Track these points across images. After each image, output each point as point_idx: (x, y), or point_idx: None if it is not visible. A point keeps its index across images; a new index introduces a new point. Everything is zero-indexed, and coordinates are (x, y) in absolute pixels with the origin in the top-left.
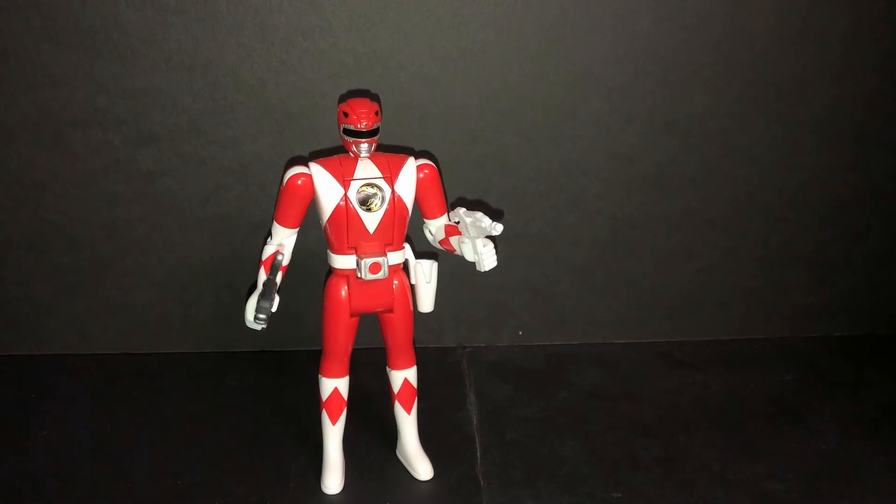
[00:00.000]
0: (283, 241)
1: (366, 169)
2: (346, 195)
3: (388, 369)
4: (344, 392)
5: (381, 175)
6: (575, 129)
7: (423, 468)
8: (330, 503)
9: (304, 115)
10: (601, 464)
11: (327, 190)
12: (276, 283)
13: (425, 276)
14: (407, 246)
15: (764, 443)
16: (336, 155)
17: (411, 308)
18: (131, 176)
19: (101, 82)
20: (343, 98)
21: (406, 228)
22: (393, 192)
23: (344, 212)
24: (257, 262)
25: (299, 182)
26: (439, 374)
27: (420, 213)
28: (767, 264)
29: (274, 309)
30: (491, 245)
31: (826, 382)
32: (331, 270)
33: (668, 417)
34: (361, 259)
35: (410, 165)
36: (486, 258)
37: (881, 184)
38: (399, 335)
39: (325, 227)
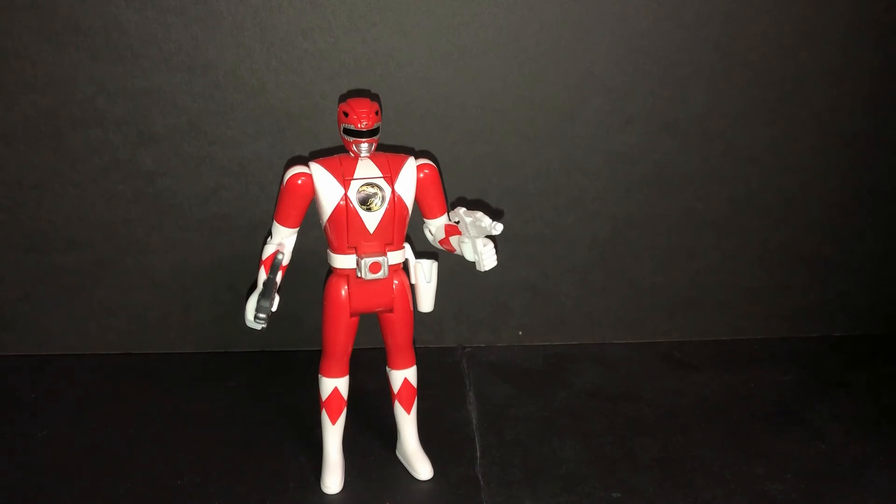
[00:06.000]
0: (283, 240)
1: (366, 168)
2: (346, 195)
3: (388, 369)
4: (344, 392)
5: (381, 175)
6: (575, 129)
7: (422, 468)
8: (330, 503)
9: (304, 116)
10: (600, 463)
11: (327, 189)
12: (276, 283)
13: (425, 275)
14: (407, 246)
15: (763, 443)
16: (336, 155)
17: (411, 308)
18: (131, 176)
19: (101, 82)
20: (343, 98)
21: (406, 228)
22: (393, 191)
23: (344, 211)
24: (257, 262)
25: (299, 182)
26: (439, 374)
27: (420, 212)
28: (767, 264)
29: (274, 308)
30: (491, 245)
31: (826, 382)
32: (331, 270)
33: (668, 417)
34: (361, 259)
35: (410, 165)
36: (486, 258)
37: (881, 184)
38: (399, 335)
39: (325, 226)
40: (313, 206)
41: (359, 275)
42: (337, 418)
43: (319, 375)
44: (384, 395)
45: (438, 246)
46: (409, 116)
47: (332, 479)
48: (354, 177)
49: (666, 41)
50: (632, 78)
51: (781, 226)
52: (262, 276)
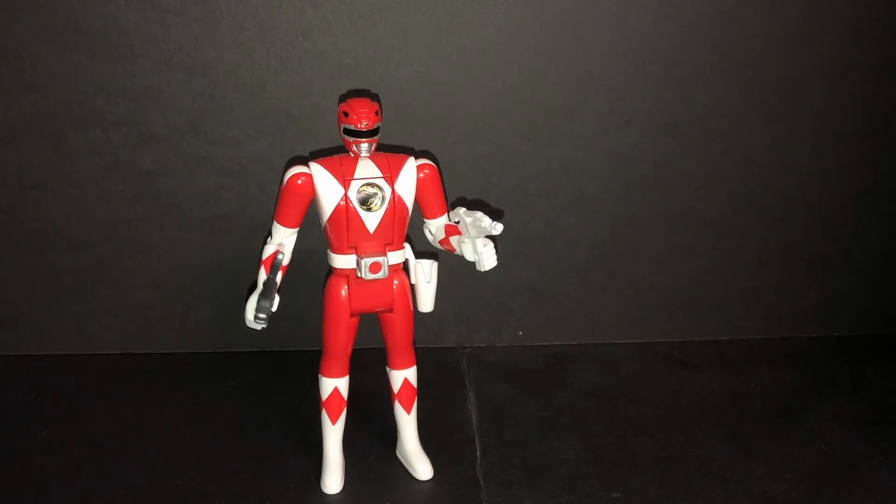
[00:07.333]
0: (283, 240)
1: (366, 169)
2: (346, 195)
3: (388, 369)
4: (344, 392)
5: (381, 175)
6: (575, 129)
7: (422, 468)
8: (330, 503)
9: (304, 116)
10: (600, 463)
11: (327, 189)
12: (276, 283)
13: (425, 275)
14: (407, 246)
15: (763, 443)
16: (336, 155)
17: (411, 308)
18: (131, 176)
19: (101, 82)
20: (343, 98)
21: (406, 228)
22: (393, 191)
23: (344, 211)
24: (257, 262)
25: (299, 182)
26: (439, 374)
27: (420, 213)
28: (767, 264)
29: (274, 308)
30: (491, 245)
31: (826, 382)
32: (331, 270)
33: (668, 417)
34: (361, 259)
35: (410, 165)
36: (486, 258)
37: (881, 184)
38: (399, 335)
39: (325, 226)
40: (313, 206)
41: (359, 275)
42: (337, 418)
43: (319, 375)
44: (384, 395)
45: (438, 246)
46: (409, 116)
47: (332, 479)
48: (354, 177)
49: (666, 41)
50: (632, 78)
51: (781, 226)
52: (262, 276)
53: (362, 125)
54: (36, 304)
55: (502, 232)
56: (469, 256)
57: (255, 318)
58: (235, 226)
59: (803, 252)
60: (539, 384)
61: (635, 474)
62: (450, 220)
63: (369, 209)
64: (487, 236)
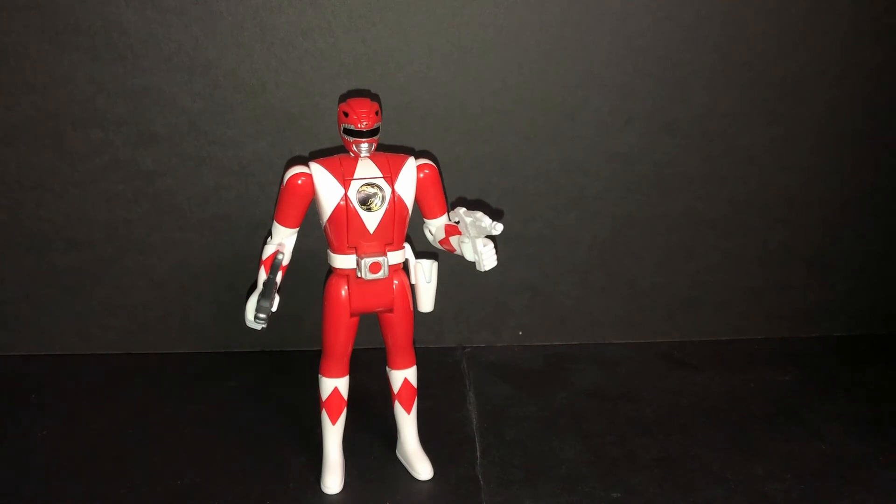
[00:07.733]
0: (283, 240)
1: (366, 168)
2: (346, 195)
3: (388, 369)
4: (344, 392)
5: (381, 175)
6: (575, 129)
7: (422, 468)
8: (330, 503)
9: (304, 116)
10: (600, 463)
11: (327, 189)
12: (276, 283)
13: (425, 275)
14: (407, 246)
15: (763, 443)
16: (336, 155)
17: (411, 308)
18: (131, 176)
19: (101, 82)
20: (343, 98)
21: (406, 228)
22: (393, 191)
23: (344, 211)
24: (257, 262)
25: (299, 182)
26: (439, 374)
27: (420, 212)
28: (767, 264)
29: (274, 308)
30: (491, 245)
31: (826, 382)
32: (331, 270)
33: (668, 417)
34: (361, 259)
35: (410, 165)
36: (486, 258)
37: (881, 184)
38: (399, 335)
39: (325, 226)
40: (313, 206)
41: (359, 275)
42: (337, 418)
43: (319, 375)
44: (384, 395)
45: (438, 246)
46: (409, 116)
47: (332, 479)
48: (354, 177)
49: (666, 41)
50: (632, 78)
51: (781, 226)
52: (262, 276)
53: (362, 125)
54: (36, 304)
55: (502, 232)
56: (469, 256)
57: (255, 318)
58: (235, 226)
59: (803, 252)
60: (539, 384)
61: (635, 474)
62: (450, 220)
63: (369, 209)
64: (487, 236)
